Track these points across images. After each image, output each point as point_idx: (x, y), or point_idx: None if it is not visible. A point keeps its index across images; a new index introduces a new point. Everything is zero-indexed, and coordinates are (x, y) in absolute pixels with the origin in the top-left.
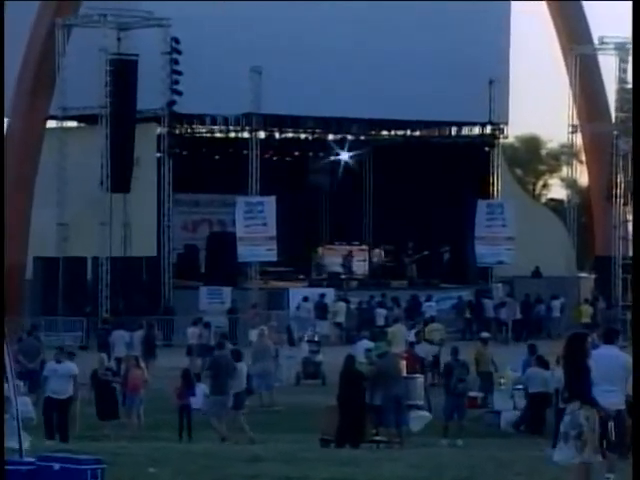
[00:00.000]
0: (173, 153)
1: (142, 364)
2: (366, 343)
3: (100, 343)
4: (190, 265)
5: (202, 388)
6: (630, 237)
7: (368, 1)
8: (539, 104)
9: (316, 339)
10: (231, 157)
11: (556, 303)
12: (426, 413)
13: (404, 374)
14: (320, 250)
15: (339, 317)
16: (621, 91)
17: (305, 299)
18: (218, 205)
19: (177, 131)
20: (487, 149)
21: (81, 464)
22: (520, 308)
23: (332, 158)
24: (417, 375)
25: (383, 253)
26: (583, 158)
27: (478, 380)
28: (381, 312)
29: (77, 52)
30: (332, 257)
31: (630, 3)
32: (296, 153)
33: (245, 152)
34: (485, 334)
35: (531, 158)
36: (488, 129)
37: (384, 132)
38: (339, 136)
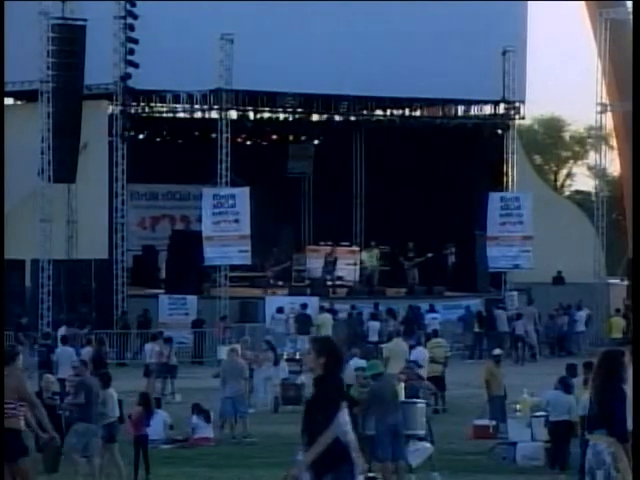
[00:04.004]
0: (128, 137)
1: None
2: (357, 362)
3: (41, 362)
4: (148, 269)
5: (162, 416)
6: None
7: None
8: (561, 79)
9: (297, 357)
10: (197, 141)
11: (582, 315)
12: (427, 444)
13: (402, 399)
14: (302, 252)
15: (324, 331)
16: None
17: (279, 310)
18: (181, 198)
19: (132, 110)
20: (500, 132)
21: None
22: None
23: (316, 142)
24: (418, 400)
25: (376, 256)
26: (614, 143)
27: (487, 406)
28: (374, 325)
29: (13, 16)
30: (316, 260)
31: None
32: (274, 136)
33: (213, 135)
34: (497, 351)
35: (552, 143)
36: (501, 108)
37: (378, 112)
38: (324, 116)
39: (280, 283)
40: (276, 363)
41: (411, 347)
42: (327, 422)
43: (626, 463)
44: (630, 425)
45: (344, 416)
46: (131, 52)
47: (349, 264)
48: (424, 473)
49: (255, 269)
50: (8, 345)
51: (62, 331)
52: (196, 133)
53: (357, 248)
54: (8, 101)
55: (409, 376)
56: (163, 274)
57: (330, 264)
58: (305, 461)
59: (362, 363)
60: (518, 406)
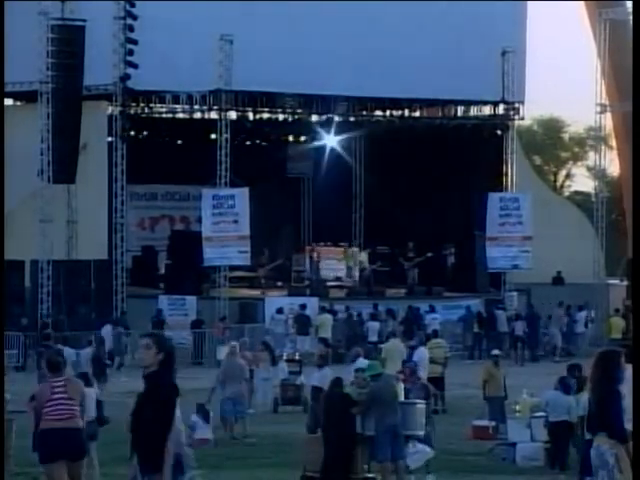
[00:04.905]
0: (127, 137)
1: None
2: (362, 362)
3: (40, 363)
4: (147, 270)
5: None
6: None
7: None
8: (561, 79)
9: (297, 358)
10: (196, 142)
11: (582, 315)
12: (427, 448)
13: (401, 399)
14: (302, 252)
15: (324, 331)
16: None
17: (279, 311)
18: (180, 199)
19: (132, 111)
20: (500, 133)
21: None
22: (528, 321)
23: (316, 143)
24: (417, 400)
25: (366, 256)
26: (613, 143)
27: (486, 406)
28: (374, 326)
29: (12, 17)
30: (316, 261)
31: None
32: (273, 137)
33: (213, 136)
34: (495, 351)
35: (552, 143)
36: (501, 109)
37: (377, 112)
38: (324, 117)
39: (279, 284)
40: (273, 363)
41: (412, 348)
42: (162, 419)
43: (628, 463)
44: (629, 425)
45: (178, 413)
46: (130, 53)
47: (348, 264)
48: (422, 474)
49: (254, 270)
50: (54, 356)
51: (107, 331)
52: (195, 134)
53: (356, 248)
54: (8, 102)
55: (407, 377)
56: (162, 274)
57: (314, 263)
58: (164, 473)
59: (366, 363)
60: (518, 407)
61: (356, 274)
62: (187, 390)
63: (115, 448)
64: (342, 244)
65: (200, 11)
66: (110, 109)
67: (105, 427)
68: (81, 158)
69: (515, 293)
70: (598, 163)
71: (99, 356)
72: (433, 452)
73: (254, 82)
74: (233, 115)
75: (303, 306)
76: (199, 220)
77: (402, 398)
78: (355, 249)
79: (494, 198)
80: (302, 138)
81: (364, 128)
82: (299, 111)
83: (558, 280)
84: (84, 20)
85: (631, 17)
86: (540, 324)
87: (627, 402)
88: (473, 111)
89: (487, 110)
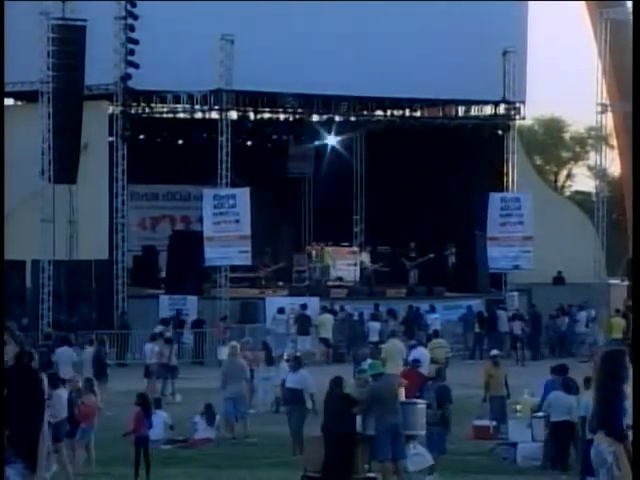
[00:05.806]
0: (128, 137)
1: (96, 388)
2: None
3: (42, 362)
4: (148, 270)
5: (162, 416)
6: None
7: None
8: (562, 79)
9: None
10: (197, 142)
11: (583, 315)
12: (428, 455)
13: (402, 399)
14: (302, 252)
15: (325, 331)
16: None
17: (280, 311)
18: (181, 199)
19: (133, 111)
20: (500, 132)
21: None
22: (530, 321)
23: (317, 143)
24: (418, 400)
25: (368, 256)
26: (614, 143)
27: (487, 406)
28: (375, 325)
29: (13, 17)
30: (314, 261)
31: None
32: (274, 137)
33: (214, 136)
34: (494, 352)
35: (553, 143)
36: (502, 109)
37: (378, 112)
38: (325, 117)
39: (280, 283)
40: (270, 363)
41: (412, 347)
42: (33, 411)
43: (626, 461)
44: (629, 424)
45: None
46: (131, 52)
47: (349, 264)
48: (423, 474)
49: (255, 270)
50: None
51: (159, 330)
52: (196, 134)
53: (357, 248)
54: (8, 102)
55: (414, 376)
56: (163, 274)
57: (335, 266)
58: (40, 468)
59: (367, 363)
60: (519, 406)
61: (338, 273)
62: (189, 390)
63: (114, 448)
64: (344, 244)
65: (201, 11)
66: (111, 109)
67: (104, 427)
68: (82, 158)
69: (516, 293)
70: (599, 163)
71: (100, 356)
72: (432, 460)
73: (255, 82)
74: (234, 115)
75: (304, 306)
76: (200, 220)
77: (403, 398)
78: (331, 248)
79: (495, 198)
80: (303, 138)
81: (365, 128)
82: (300, 111)
83: (559, 280)
84: (85, 20)
85: (632, 17)
86: (542, 323)
87: (628, 401)
88: (474, 111)
89: (488, 110)
